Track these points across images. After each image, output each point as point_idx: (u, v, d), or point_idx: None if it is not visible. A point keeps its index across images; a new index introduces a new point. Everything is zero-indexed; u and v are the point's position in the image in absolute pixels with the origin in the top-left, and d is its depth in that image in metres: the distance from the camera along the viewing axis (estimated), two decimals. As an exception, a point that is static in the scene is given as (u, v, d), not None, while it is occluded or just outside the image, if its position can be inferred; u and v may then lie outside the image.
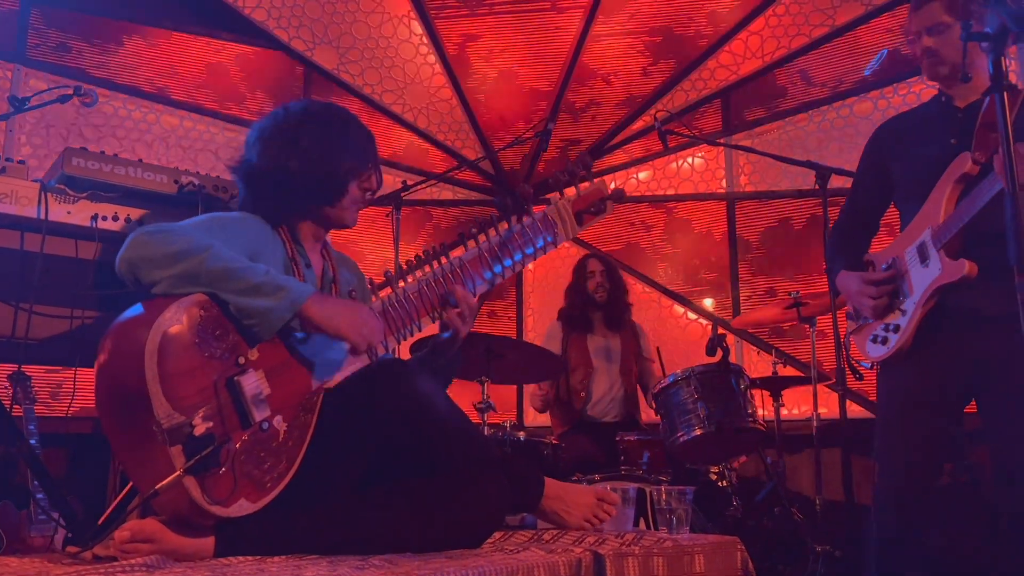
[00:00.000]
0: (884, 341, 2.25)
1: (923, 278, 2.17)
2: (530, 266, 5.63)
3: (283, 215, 1.93)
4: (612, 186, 2.16)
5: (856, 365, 2.41)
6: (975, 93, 2.22)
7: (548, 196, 2.14)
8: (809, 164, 3.61)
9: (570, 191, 2.12)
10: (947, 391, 2.20)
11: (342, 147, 1.91)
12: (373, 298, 1.94)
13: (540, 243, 2.06)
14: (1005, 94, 1.34)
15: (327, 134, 1.90)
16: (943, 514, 3.33)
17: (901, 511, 2.19)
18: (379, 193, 2.09)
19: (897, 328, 2.21)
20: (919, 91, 4.84)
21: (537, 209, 2.08)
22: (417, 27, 5.30)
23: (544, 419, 4.41)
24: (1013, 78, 4.54)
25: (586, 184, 2.10)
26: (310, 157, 1.87)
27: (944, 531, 3.25)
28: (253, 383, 1.61)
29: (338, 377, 1.77)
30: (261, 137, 1.92)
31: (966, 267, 2.06)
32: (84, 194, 2.19)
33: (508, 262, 2.01)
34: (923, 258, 2.18)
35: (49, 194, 2.13)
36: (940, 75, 2.23)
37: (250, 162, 1.92)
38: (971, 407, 2.26)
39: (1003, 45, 1.32)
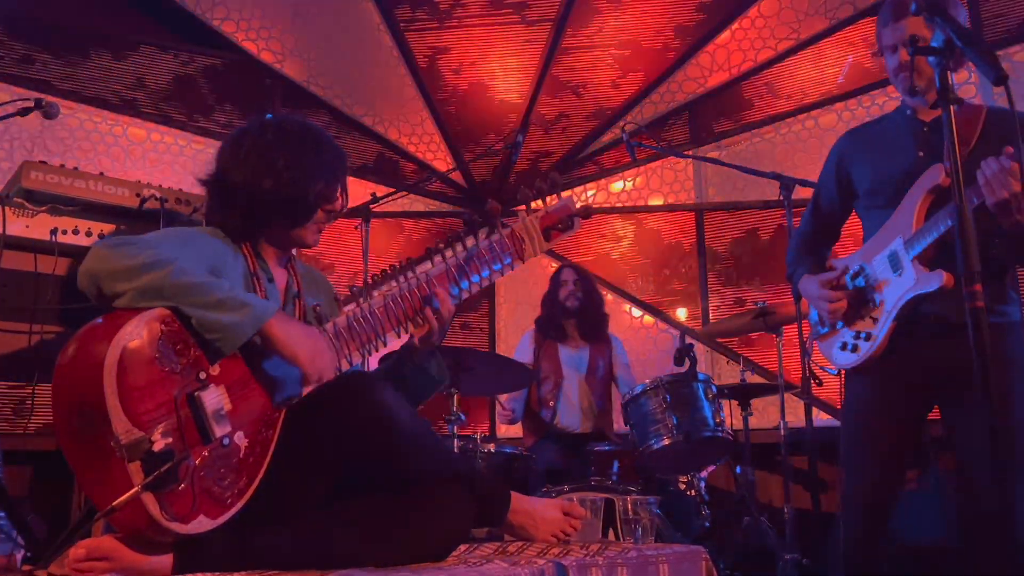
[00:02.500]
0: (854, 349, 2.25)
1: (896, 287, 2.17)
2: (502, 278, 5.62)
3: (248, 231, 1.92)
4: (579, 203, 2.16)
5: (818, 371, 2.40)
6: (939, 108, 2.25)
7: (516, 209, 2.13)
8: (774, 175, 3.67)
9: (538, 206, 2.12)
10: (913, 399, 2.22)
11: (314, 170, 1.90)
12: (341, 313, 1.92)
13: (508, 259, 2.05)
14: (952, 108, 1.37)
15: (301, 156, 1.89)
16: (909, 520, 3.38)
17: (869, 517, 2.20)
18: (349, 205, 2.08)
19: (869, 336, 2.22)
20: (882, 103, 4.93)
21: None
22: (387, 39, 5.30)
23: (516, 431, 4.41)
24: (972, 91, 4.63)
25: (554, 200, 2.11)
26: (283, 179, 1.86)
27: (910, 538, 3.30)
28: (214, 398, 1.60)
29: (301, 392, 1.75)
30: (235, 151, 1.90)
31: (944, 278, 2.06)
32: (43, 208, 2.17)
33: (475, 278, 2.01)
34: (895, 267, 2.18)
35: (7, 207, 2.10)
36: (918, 89, 2.22)
37: (222, 176, 1.90)
38: (934, 413, 2.29)
39: (949, 60, 1.35)
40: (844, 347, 2.29)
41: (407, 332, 1.93)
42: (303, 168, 1.88)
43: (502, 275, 2.06)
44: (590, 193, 5.58)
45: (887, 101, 4.93)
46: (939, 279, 2.07)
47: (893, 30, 2.20)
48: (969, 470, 2.13)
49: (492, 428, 5.32)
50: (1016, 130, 1.93)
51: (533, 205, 2.09)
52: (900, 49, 2.19)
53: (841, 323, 2.31)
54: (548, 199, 2.10)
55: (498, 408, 4.27)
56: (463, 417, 3.40)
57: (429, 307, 1.91)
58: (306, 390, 1.71)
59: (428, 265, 1.99)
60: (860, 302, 2.25)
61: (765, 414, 4.74)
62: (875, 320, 2.21)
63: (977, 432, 2.08)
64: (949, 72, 1.37)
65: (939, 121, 2.21)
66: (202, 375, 1.60)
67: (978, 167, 2.00)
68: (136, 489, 1.46)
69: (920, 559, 3.26)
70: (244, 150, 1.89)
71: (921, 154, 2.22)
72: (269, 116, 1.98)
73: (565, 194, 2.14)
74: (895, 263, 2.18)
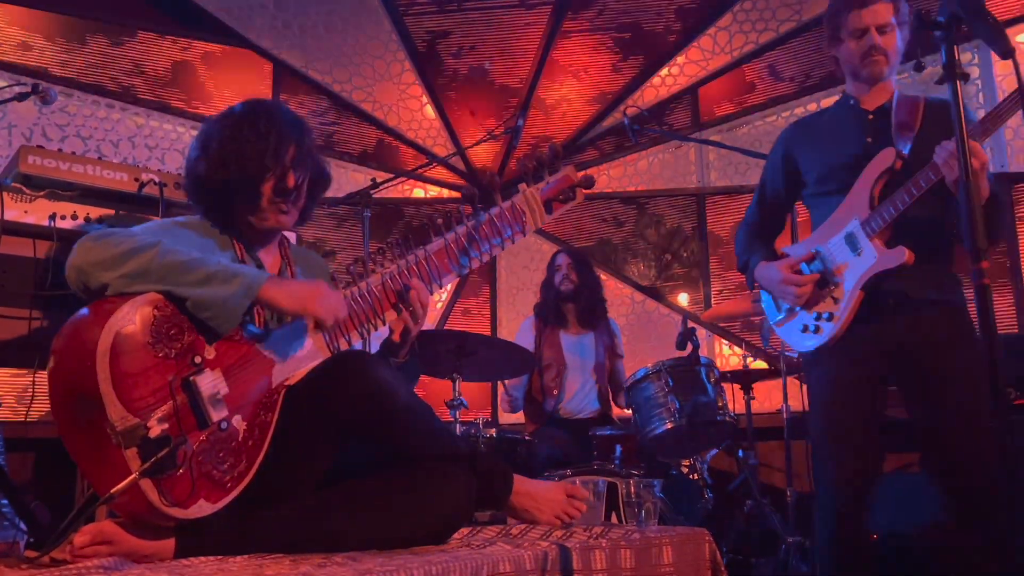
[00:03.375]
0: (817, 330, 2.29)
1: (856, 266, 2.23)
2: (504, 264, 5.62)
3: (216, 219, 1.91)
4: (580, 173, 2.14)
5: (770, 352, 2.47)
6: (881, 97, 2.34)
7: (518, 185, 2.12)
8: (777, 158, 3.64)
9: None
10: (879, 375, 2.27)
11: (250, 149, 1.83)
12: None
13: (508, 232, 2.04)
14: (956, 85, 1.35)
15: (235, 137, 1.84)
16: (910, 503, 3.38)
17: (855, 499, 2.21)
18: (347, 190, 2.07)
19: (831, 316, 2.26)
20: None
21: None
22: (386, 24, 5.27)
23: (518, 416, 4.41)
24: (976, 72, 4.60)
25: (555, 171, 2.10)
26: (216, 162, 1.84)
27: (910, 520, 3.30)
28: (210, 383, 1.59)
29: (299, 373, 1.74)
30: (193, 144, 1.93)
31: (906, 254, 2.15)
32: (41, 193, 2.15)
33: (475, 252, 1.99)
34: (853, 248, 2.24)
35: (5, 192, 2.09)
36: (883, 74, 2.30)
37: (185, 169, 1.93)
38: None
39: (954, 35, 1.34)
40: (805, 329, 2.33)
41: (407, 311, 1.92)
42: (234, 149, 1.82)
43: (503, 248, 2.04)
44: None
45: (890, 83, 4.90)
46: (901, 256, 2.15)
47: (869, 14, 2.24)
48: (946, 446, 2.15)
49: (494, 414, 5.32)
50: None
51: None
52: (871, 32, 2.25)
53: (799, 307, 2.35)
54: (550, 171, 2.08)
55: (501, 393, 4.26)
56: (465, 402, 3.40)
57: (404, 300, 1.89)
58: (320, 357, 1.72)
59: (428, 241, 1.97)
60: (818, 284, 2.31)
61: (767, 398, 4.74)
62: (836, 300, 2.27)
63: (949, 409, 2.12)
64: (956, 47, 1.35)
65: (882, 110, 2.31)
66: (197, 359, 1.59)
67: (924, 151, 2.13)
68: (133, 476, 1.45)
69: (921, 541, 3.26)
70: (195, 141, 1.91)
71: (869, 140, 2.29)
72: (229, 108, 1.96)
73: (590, 172, 2.13)
74: (853, 244, 2.25)
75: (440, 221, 1.97)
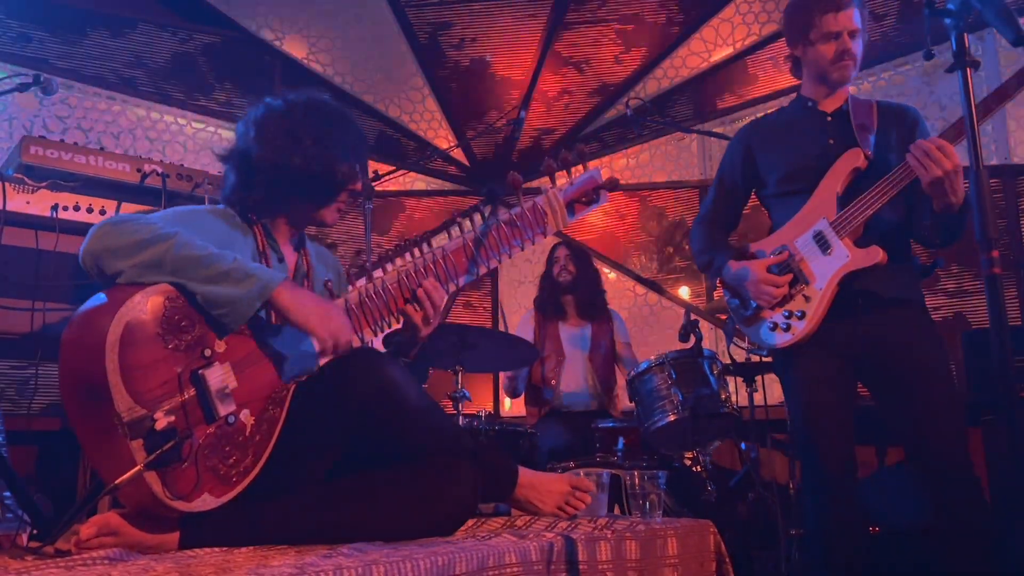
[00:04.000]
0: (788, 328, 2.30)
1: (827, 265, 2.25)
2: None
3: (269, 208, 1.89)
4: (605, 175, 2.11)
5: (732, 351, 2.53)
6: (838, 100, 2.39)
7: (538, 183, 2.09)
8: (780, 150, 3.62)
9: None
10: (850, 372, 2.29)
11: (342, 149, 1.87)
12: (350, 288, 1.89)
13: (529, 233, 2.00)
14: (966, 73, 1.34)
15: (329, 134, 1.86)
16: (904, 500, 3.39)
17: (846, 491, 2.22)
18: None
19: (802, 315, 2.27)
20: (888, 77, 4.88)
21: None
22: (387, 15, 5.25)
23: (520, 408, 4.41)
24: (981, 63, 4.58)
25: (579, 172, 2.07)
26: (312, 156, 1.83)
27: (904, 517, 3.31)
28: (218, 377, 1.58)
29: (313, 367, 1.73)
30: (260, 128, 1.87)
31: (880, 254, 2.18)
32: (43, 184, 2.15)
33: (494, 253, 1.96)
34: (823, 247, 2.26)
35: (7, 184, 2.08)
36: (849, 79, 2.35)
37: (247, 152, 1.87)
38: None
39: (964, 22, 1.33)
40: (775, 327, 2.33)
41: (420, 310, 1.90)
42: (331, 147, 1.85)
43: (522, 249, 2.00)
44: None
45: (893, 75, 4.88)
46: (875, 255, 2.19)
47: (844, 17, 2.28)
48: (922, 441, 2.16)
49: (496, 406, 5.32)
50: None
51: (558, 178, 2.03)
52: (843, 36, 2.29)
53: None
54: (573, 171, 2.05)
55: (502, 379, 4.25)
56: (467, 395, 3.39)
57: (416, 299, 1.88)
58: (323, 360, 1.70)
59: (445, 238, 1.95)
60: (789, 283, 2.32)
61: (770, 390, 4.72)
62: (807, 299, 2.28)
63: (925, 405, 2.15)
64: (965, 35, 1.34)
65: (840, 112, 2.36)
66: (207, 352, 1.59)
67: (883, 151, 2.21)
68: (138, 468, 1.45)
69: (915, 538, 3.27)
70: (269, 126, 1.86)
71: (832, 141, 2.33)
72: (291, 96, 1.94)
73: (592, 164, 2.10)
74: (822, 243, 2.27)
75: (460, 220, 1.95)
